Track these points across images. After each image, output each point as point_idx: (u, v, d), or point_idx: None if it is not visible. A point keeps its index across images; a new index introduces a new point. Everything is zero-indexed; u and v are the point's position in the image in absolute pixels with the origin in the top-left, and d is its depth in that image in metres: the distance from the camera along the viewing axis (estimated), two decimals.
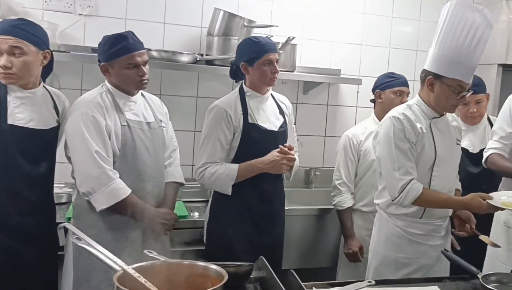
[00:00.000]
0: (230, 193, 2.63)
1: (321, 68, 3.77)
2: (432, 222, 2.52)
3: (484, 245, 2.88)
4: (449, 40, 2.36)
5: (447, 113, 2.56)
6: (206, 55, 3.38)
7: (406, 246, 2.51)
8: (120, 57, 2.40)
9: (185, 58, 3.25)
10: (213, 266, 1.63)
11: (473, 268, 2.11)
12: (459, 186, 2.71)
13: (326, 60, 3.90)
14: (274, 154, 2.62)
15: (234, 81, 2.94)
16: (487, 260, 2.88)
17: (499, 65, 3.75)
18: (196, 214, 3.08)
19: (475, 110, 3.14)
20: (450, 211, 2.59)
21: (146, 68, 2.49)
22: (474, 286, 2.07)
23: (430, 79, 2.43)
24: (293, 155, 2.66)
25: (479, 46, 2.35)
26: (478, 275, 2.05)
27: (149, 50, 3.14)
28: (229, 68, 2.83)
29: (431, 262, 2.50)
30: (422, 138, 2.43)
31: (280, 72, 3.34)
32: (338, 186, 3.16)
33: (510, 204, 2.44)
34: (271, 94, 2.82)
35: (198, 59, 3.30)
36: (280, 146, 2.62)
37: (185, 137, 3.38)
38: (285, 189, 3.51)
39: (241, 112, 2.66)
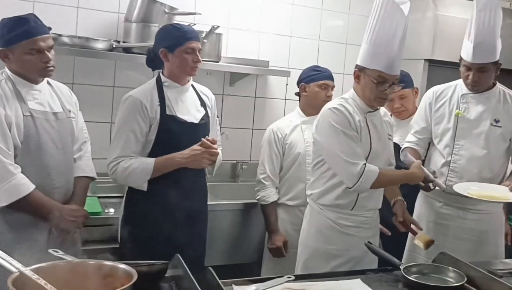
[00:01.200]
0: (145, 189, 2.48)
1: (249, 59, 3.67)
2: (362, 214, 2.52)
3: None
4: (371, 33, 2.39)
5: (380, 108, 2.56)
6: (124, 42, 3.21)
7: (336, 238, 2.50)
8: (21, 41, 2.24)
9: (100, 45, 3.07)
10: (122, 265, 1.53)
11: (395, 260, 2.13)
12: None
13: (254, 51, 3.81)
14: (195, 147, 2.49)
15: (152, 70, 2.78)
16: (406, 254, 2.94)
17: (426, 60, 3.81)
18: (112, 210, 2.93)
19: (399, 105, 3.17)
20: (379, 204, 2.60)
21: (51, 54, 2.32)
22: (396, 277, 2.07)
23: (356, 71, 2.47)
24: (216, 149, 2.54)
25: (396, 36, 2.35)
26: (400, 266, 2.06)
27: (60, 35, 2.98)
28: None
29: (360, 254, 2.48)
30: (360, 131, 2.43)
31: (205, 62, 3.27)
32: (263, 181, 3.09)
33: (476, 194, 2.58)
34: (192, 85, 2.69)
35: (114, 46, 3.13)
36: (202, 139, 2.49)
37: (100, 129, 3.21)
38: (209, 183, 3.41)
39: (158, 103, 2.51)
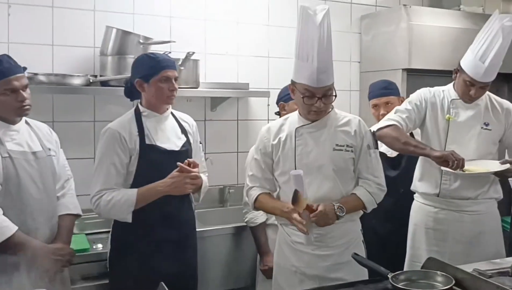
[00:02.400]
0: (130, 221, 2.46)
1: (228, 83, 3.69)
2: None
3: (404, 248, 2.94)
4: (296, 46, 2.35)
5: (343, 120, 2.47)
6: (101, 76, 3.22)
7: (291, 254, 2.46)
8: None
9: (76, 81, 3.07)
10: None
11: (383, 269, 2.10)
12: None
13: (233, 74, 3.83)
14: (174, 174, 2.48)
15: (131, 101, 2.78)
16: (407, 263, 2.95)
17: (403, 70, 3.82)
18: (100, 245, 2.90)
19: (385, 112, 3.17)
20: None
21: (26, 93, 2.33)
22: (385, 287, 2.06)
23: (290, 86, 2.44)
24: (196, 172, 2.52)
25: (314, 48, 2.25)
26: (388, 275, 2.04)
27: (36, 74, 2.98)
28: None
29: (320, 273, 2.40)
30: (282, 147, 2.43)
31: (183, 89, 3.29)
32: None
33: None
34: (172, 113, 2.69)
35: (91, 80, 3.13)
36: (178, 163, 2.48)
37: (83, 165, 3.18)
38: (198, 210, 3.41)
39: (137, 133, 2.50)
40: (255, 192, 2.51)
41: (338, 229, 2.38)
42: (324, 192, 2.37)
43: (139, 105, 2.60)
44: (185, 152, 2.62)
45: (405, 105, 2.94)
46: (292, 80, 2.40)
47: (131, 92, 2.64)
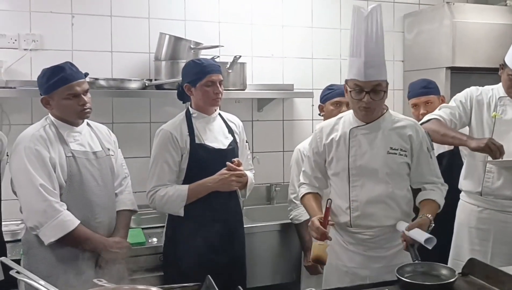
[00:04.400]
0: (182, 215, 2.63)
1: (273, 84, 3.81)
2: (362, 232, 2.42)
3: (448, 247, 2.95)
4: (350, 45, 2.37)
5: (399, 123, 2.44)
6: (155, 80, 3.39)
7: (343, 254, 2.47)
8: (58, 88, 2.41)
9: (133, 85, 3.26)
10: (153, 289, 1.66)
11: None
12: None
13: (278, 76, 3.94)
14: (222, 171, 2.65)
15: (183, 103, 2.94)
16: (450, 261, 2.93)
17: (447, 68, 3.80)
18: (155, 240, 3.06)
19: (425, 111, 3.17)
20: (382, 222, 2.42)
21: (87, 97, 2.49)
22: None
23: (344, 85, 2.42)
24: (242, 170, 2.67)
25: (361, 42, 2.27)
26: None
27: (96, 79, 3.18)
28: None
29: (372, 273, 2.40)
30: (336, 147, 2.43)
31: (231, 91, 3.43)
32: (294, 200, 3.16)
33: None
34: (220, 114, 2.84)
35: (147, 84, 3.31)
36: (227, 163, 2.64)
37: (140, 164, 3.35)
38: (246, 207, 3.56)
39: (187, 133, 2.68)
40: (303, 190, 2.57)
41: (390, 231, 2.37)
42: (376, 194, 2.37)
43: (189, 107, 2.77)
44: (232, 150, 2.77)
45: (451, 102, 2.95)
46: (345, 80, 2.39)
47: (183, 95, 2.81)
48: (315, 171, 2.54)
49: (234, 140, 2.81)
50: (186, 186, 2.64)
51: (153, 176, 2.67)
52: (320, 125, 2.60)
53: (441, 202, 2.41)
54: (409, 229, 2.21)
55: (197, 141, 2.68)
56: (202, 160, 2.67)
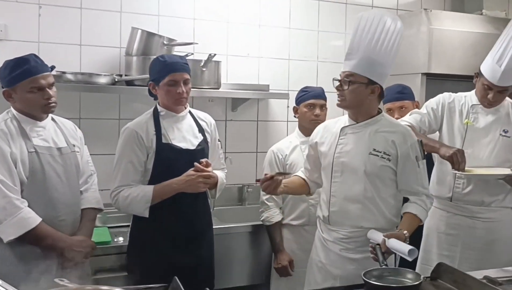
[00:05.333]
0: (147, 215, 2.55)
1: (249, 84, 3.75)
2: (338, 230, 2.48)
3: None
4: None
5: (390, 127, 2.48)
6: (126, 75, 3.32)
7: (320, 250, 2.55)
8: (22, 81, 2.34)
9: (102, 80, 3.17)
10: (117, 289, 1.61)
11: None
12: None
13: (253, 75, 3.89)
14: (189, 172, 2.56)
15: (155, 100, 2.87)
16: (419, 266, 2.95)
17: (423, 74, 3.82)
18: (121, 239, 2.98)
19: (399, 116, 3.19)
20: (360, 222, 2.45)
21: (52, 91, 2.42)
22: None
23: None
24: (210, 171, 2.60)
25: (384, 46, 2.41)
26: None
27: (64, 73, 3.08)
28: None
29: (342, 273, 2.46)
30: (328, 144, 2.52)
31: (205, 90, 3.38)
32: (266, 201, 3.13)
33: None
34: (190, 112, 2.77)
35: (116, 80, 3.22)
36: (195, 163, 2.56)
37: (108, 161, 3.18)
38: (217, 208, 3.52)
39: (154, 132, 2.59)
40: (298, 173, 2.75)
41: (365, 235, 2.38)
42: (354, 193, 2.41)
43: (157, 105, 2.68)
44: (201, 150, 2.69)
45: (422, 108, 2.97)
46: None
47: (152, 93, 2.72)
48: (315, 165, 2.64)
49: (205, 139, 2.73)
50: (151, 187, 2.55)
51: (117, 175, 2.58)
52: (323, 123, 2.70)
53: (423, 217, 2.42)
54: (388, 237, 2.21)
55: (163, 141, 2.59)
56: (169, 161, 2.58)
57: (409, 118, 2.92)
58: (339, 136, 2.48)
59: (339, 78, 2.45)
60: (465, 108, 2.89)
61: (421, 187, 2.44)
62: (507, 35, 2.74)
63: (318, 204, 2.61)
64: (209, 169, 2.59)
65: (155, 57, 3.11)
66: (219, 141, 2.90)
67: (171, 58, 2.65)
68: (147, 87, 2.79)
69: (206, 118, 2.83)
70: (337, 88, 2.44)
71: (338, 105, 2.47)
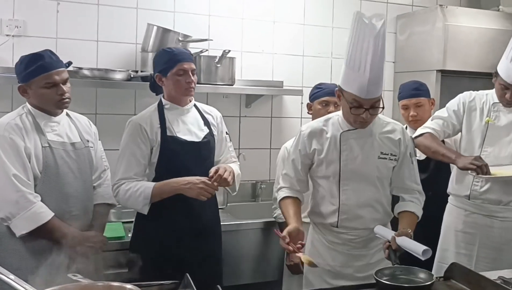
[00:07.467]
0: (146, 213, 2.51)
1: (263, 81, 3.76)
2: (349, 232, 2.44)
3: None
4: (347, 54, 2.24)
5: (387, 127, 2.44)
6: (141, 71, 3.33)
7: (325, 253, 2.49)
8: (36, 76, 2.36)
9: (118, 76, 3.19)
10: (129, 286, 1.59)
11: None
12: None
13: (268, 72, 3.89)
14: (196, 178, 2.49)
15: (156, 95, 2.84)
16: (435, 264, 2.93)
17: (438, 71, 3.78)
18: None
19: (415, 113, 3.18)
20: (367, 224, 2.43)
21: (66, 87, 2.43)
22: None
23: (337, 91, 2.35)
24: (215, 186, 2.51)
25: (368, 59, 2.15)
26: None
27: (80, 68, 3.11)
28: None
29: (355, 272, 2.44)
30: (326, 151, 2.39)
31: (219, 86, 3.38)
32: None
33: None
34: (195, 105, 2.74)
35: (132, 76, 3.24)
36: (210, 172, 2.51)
37: None
38: (231, 204, 3.53)
39: (158, 125, 2.58)
40: (282, 193, 2.50)
41: (373, 232, 2.37)
42: (366, 198, 2.39)
43: (162, 98, 2.67)
44: (207, 143, 2.66)
45: (443, 112, 2.94)
46: (339, 86, 2.31)
47: (155, 87, 2.70)
48: (299, 174, 2.49)
49: (210, 132, 2.69)
50: (152, 184, 2.51)
51: (119, 168, 2.56)
52: (307, 127, 2.50)
53: (420, 213, 2.42)
54: (398, 236, 2.18)
55: (168, 134, 2.57)
56: (174, 153, 2.56)
57: (431, 124, 2.90)
58: (341, 143, 2.39)
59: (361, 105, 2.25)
60: (486, 106, 2.85)
61: (415, 184, 2.46)
62: None
63: (316, 212, 2.52)
64: (215, 184, 2.51)
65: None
66: (227, 133, 2.86)
67: (177, 49, 2.67)
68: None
69: (212, 112, 2.80)
70: (364, 117, 2.25)
71: (361, 127, 2.35)
